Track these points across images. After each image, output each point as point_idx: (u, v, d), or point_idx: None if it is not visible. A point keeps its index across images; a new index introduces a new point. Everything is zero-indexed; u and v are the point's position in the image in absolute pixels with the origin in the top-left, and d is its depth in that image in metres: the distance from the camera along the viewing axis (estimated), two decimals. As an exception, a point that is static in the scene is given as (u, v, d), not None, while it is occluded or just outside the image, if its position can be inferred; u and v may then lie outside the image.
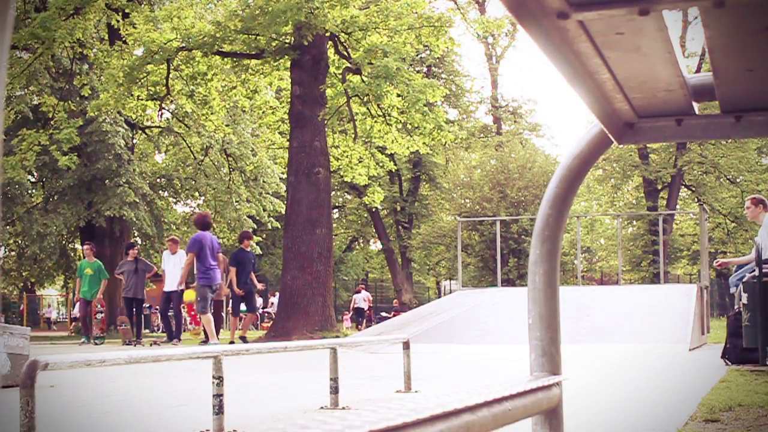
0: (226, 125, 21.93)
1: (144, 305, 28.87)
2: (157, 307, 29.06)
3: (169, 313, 15.33)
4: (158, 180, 26.66)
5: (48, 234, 22.66)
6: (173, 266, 14.69)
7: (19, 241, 27.04)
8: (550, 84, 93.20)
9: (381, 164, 21.53)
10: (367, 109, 18.60)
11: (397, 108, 18.05)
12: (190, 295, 16.14)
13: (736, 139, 26.45)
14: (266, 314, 30.09)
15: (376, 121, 18.86)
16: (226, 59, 18.53)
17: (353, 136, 19.03)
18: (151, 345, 14.93)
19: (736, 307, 8.03)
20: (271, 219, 24.81)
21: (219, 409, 3.82)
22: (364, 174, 20.58)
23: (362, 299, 30.06)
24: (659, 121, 2.05)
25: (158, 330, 26.37)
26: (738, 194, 34.99)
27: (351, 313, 30.65)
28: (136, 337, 15.06)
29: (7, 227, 25.04)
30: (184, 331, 16.86)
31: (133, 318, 15.23)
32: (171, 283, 14.65)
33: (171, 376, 7.43)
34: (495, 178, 33.67)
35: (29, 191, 24.75)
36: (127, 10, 20.55)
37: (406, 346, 5.77)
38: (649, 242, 36.09)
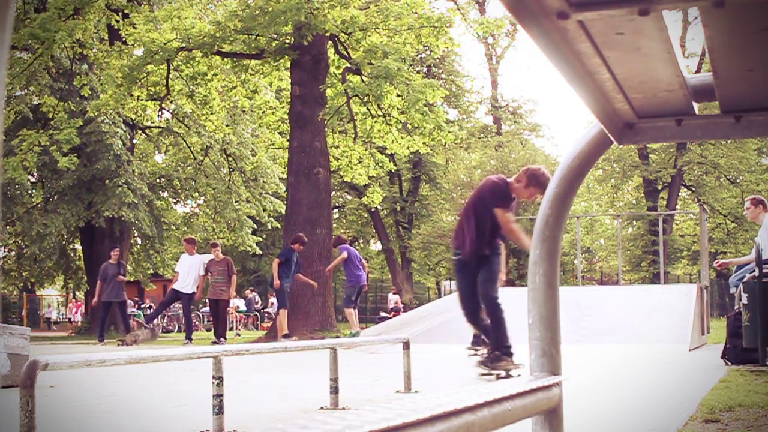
0: (226, 125, 21.93)
1: (144, 305, 28.96)
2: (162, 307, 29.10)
3: (170, 314, 15.39)
4: (158, 180, 26.65)
5: (48, 234, 22.65)
6: (189, 267, 14.57)
7: (19, 241, 27.04)
8: (550, 84, 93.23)
9: (381, 164, 21.53)
10: (367, 109, 18.60)
11: (397, 108, 18.05)
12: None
13: (736, 139, 26.45)
14: (266, 314, 30.13)
15: (376, 121, 18.86)
16: (226, 59, 18.52)
17: (353, 136, 19.03)
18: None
19: (736, 307, 8.03)
20: (271, 219, 24.81)
21: (219, 409, 3.82)
22: (364, 174, 20.58)
23: (395, 301, 30.42)
24: (659, 122, 2.05)
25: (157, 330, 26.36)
26: (738, 194, 34.99)
27: (392, 314, 30.87)
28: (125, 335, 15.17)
29: (7, 227, 25.04)
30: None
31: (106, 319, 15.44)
32: (183, 284, 14.57)
33: (171, 376, 7.43)
34: (495, 178, 33.60)
35: (29, 191, 24.75)
36: (126, 11, 20.54)
37: (406, 346, 5.77)
38: (649, 242, 36.10)
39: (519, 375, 6.62)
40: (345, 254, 13.81)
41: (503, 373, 6.72)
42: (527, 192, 6.74)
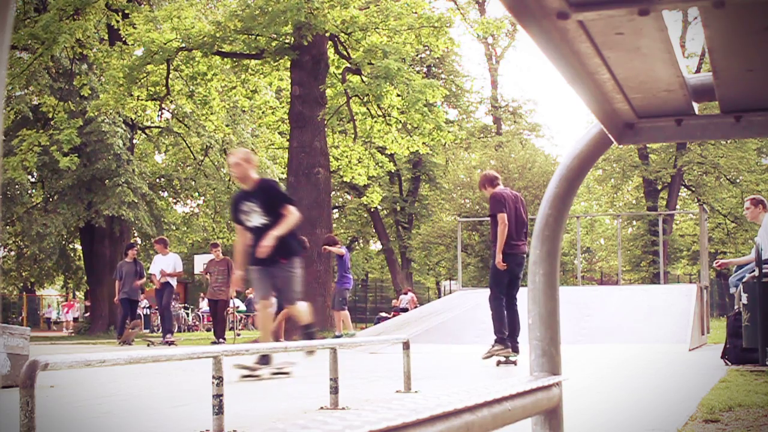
0: (226, 125, 21.93)
1: (145, 305, 28.95)
2: (157, 307, 29.14)
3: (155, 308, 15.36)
4: (158, 180, 26.65)
5: (48, 234, 22.66)
6: (165, 268, 14.66)
7: (19, 241, 27.04)
8: (550, 84, 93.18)
9: (381, 164, 21.53)
10: (367, 109, 18.60)
11: (397, 108, 18.05)
12: None
13: (736, 139, 26.44)
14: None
15: (376, 121, 18.86)
16: (226, 59, 18.52)
17: (353, 136, 19.03)
18: (147, 345, 14.96)
19: (736, 307, 8.03)
20: (271, 219, 24.78)
21: (219, 409, 3.82)
22: (364, 174, 20.58)
23: (407, 301, 30.29)
24: (659, 122, 2.05)
25: (157, 330, 26.40)
26: (738, 194, 34.98)
27: (392, 314, 30.75)
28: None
29: (7, 227, 25.04)
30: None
31: (126, 318, 15.30)
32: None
33: (171, 376, 7.43)
34: (495, 178, 33.57)
35: (29, 191, 24.74)
36: (126, 11, 20.55)
37: (406, 346, 5.77)
38: (649, 242, 36.09)
39: (515, 359, 7.71)
40: (344, 250, 13.96)
41: (503, 359, 7.81)
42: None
